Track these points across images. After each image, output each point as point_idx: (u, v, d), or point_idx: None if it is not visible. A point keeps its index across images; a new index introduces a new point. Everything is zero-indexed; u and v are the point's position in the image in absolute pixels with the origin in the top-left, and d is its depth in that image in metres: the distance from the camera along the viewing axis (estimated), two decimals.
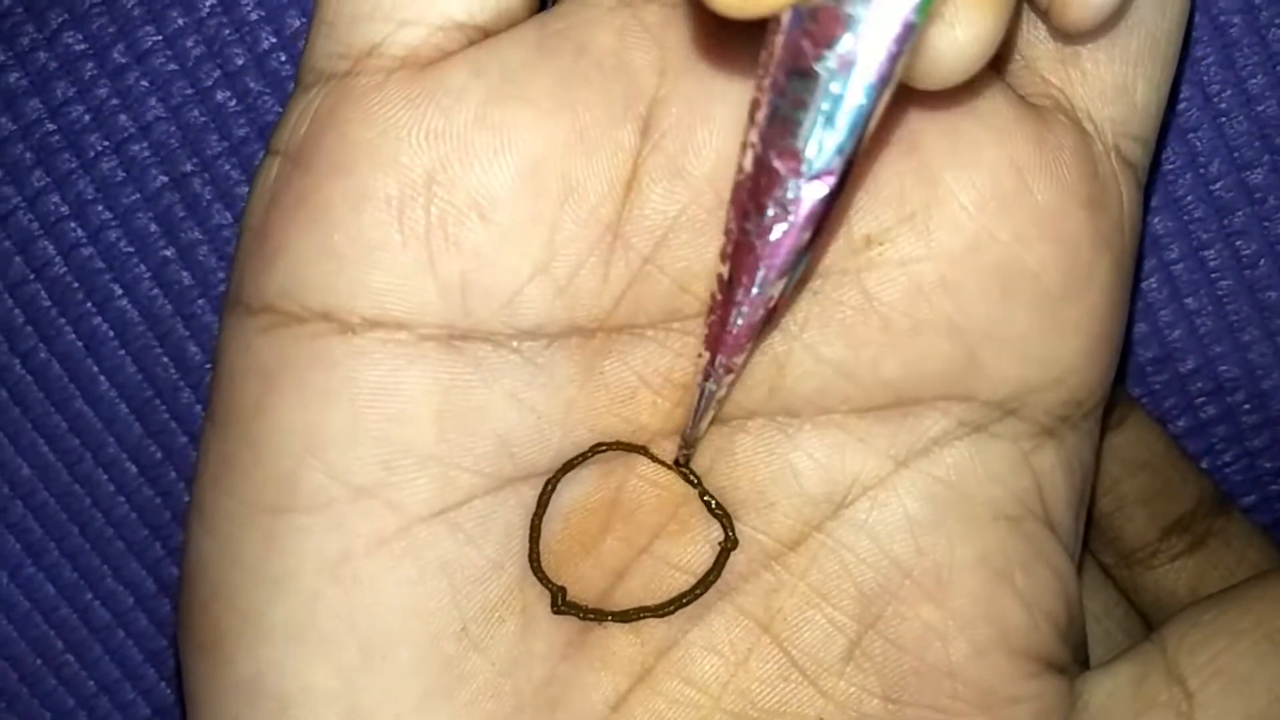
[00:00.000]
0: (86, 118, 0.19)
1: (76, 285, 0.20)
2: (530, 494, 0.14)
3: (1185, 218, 0.20)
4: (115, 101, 0.19)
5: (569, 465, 0.14)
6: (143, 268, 0.20)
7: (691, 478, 0.15)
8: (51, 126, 0.19)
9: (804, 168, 0.11)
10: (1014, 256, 0.14)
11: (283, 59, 0.19)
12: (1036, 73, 0.15)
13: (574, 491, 0.15)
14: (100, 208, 0.19)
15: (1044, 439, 0.15)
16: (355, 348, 0.14)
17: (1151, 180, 0.20)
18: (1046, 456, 0.15)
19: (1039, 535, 0.15)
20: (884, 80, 0.11)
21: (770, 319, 0.13)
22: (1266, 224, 0.20)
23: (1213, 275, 0.20)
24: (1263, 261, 0.20)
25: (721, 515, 0.15)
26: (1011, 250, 0.14)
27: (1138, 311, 0.21)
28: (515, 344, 0.14)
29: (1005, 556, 0.15)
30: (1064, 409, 0.15)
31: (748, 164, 0.12)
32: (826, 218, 0.12)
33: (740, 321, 0.13)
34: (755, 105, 0.12)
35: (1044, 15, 0.13)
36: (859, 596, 0.14)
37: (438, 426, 0.14)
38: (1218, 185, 0.20)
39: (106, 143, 0.19)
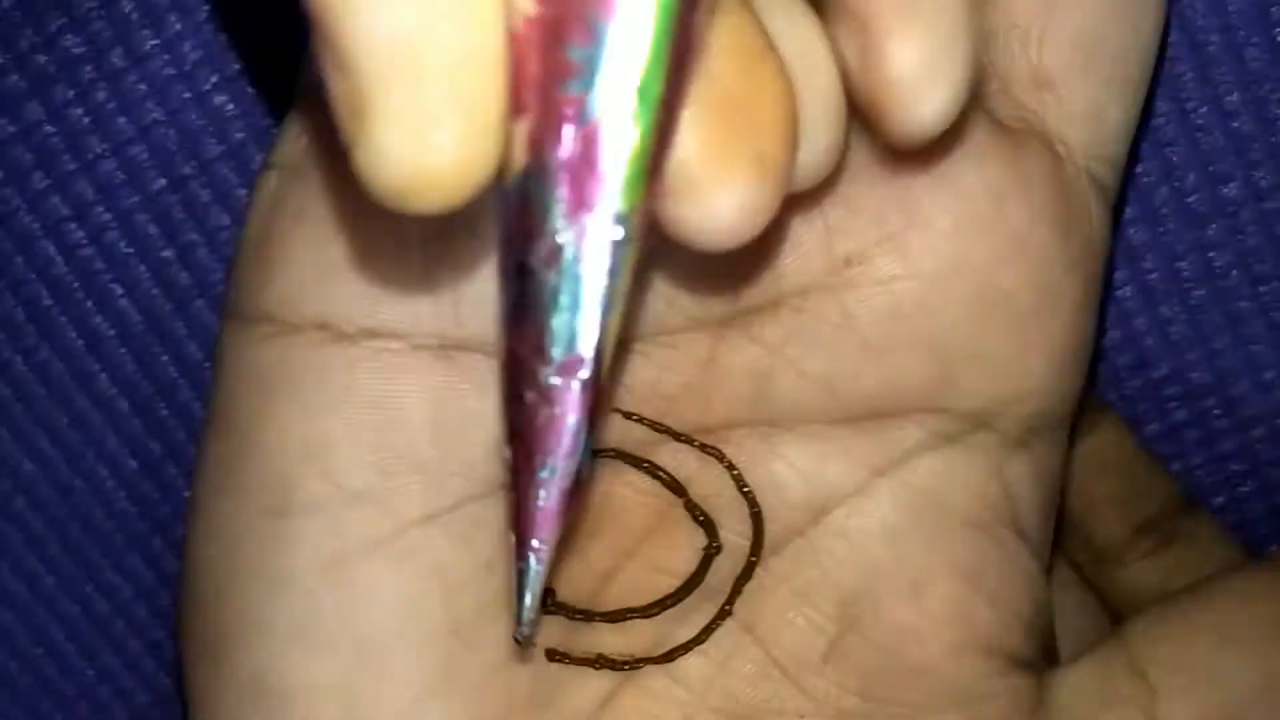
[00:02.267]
0: (86, 120, 0.19)
1: (77, 285, 0.20)
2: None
3: (1160, 229, 0.20)
4: (114, 104, 0.19)
5: None
6: (142, 268, 0.20)
7: (676, 485, 0.15)
8: (51, 129, 0.19)
9: (552, 358, 0.11)
10: (988, 277, 0.15)
11: (279, 63, 0.20)
12: (1012, 96, 0.15)
13: None
14: (100, 209, 0.20)
15: (1015, 450, 0.15)
16: (351, 357, 0.14)
17: (1128, 192, 0.21)
18: (1017, 466, 0.15)
19: (1009, 541, 0.15)
20: (612, 270, 0.10)
21: (578, 488, 0.12)
22: (1239, 237, 0.20)
23: (1186, 285, 0.21)
24: (1234, 273, 0.21)
25: (705, 521, 0.15)
26: (985, 271, 0.14)
27: (1113, 319, 0.21)
28: None
29: (977, 561, 0.15)
30: (1034, 421, 0.15)
31: (503, 355, 0.12)
32: (596, 400, 0.11)
33: (537, 505, 0.12)
34: (499, 288, 0.11)
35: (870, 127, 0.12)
36: (838, 599, 0.15)
37: (431, 433, 0.14)
38: (1192, 198, 0.20)
39: (106, 145, 0.20)
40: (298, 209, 0.14)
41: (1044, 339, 0.15)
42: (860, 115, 0.12)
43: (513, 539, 0.13)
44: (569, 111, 0.10)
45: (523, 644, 0.14)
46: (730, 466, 0.15)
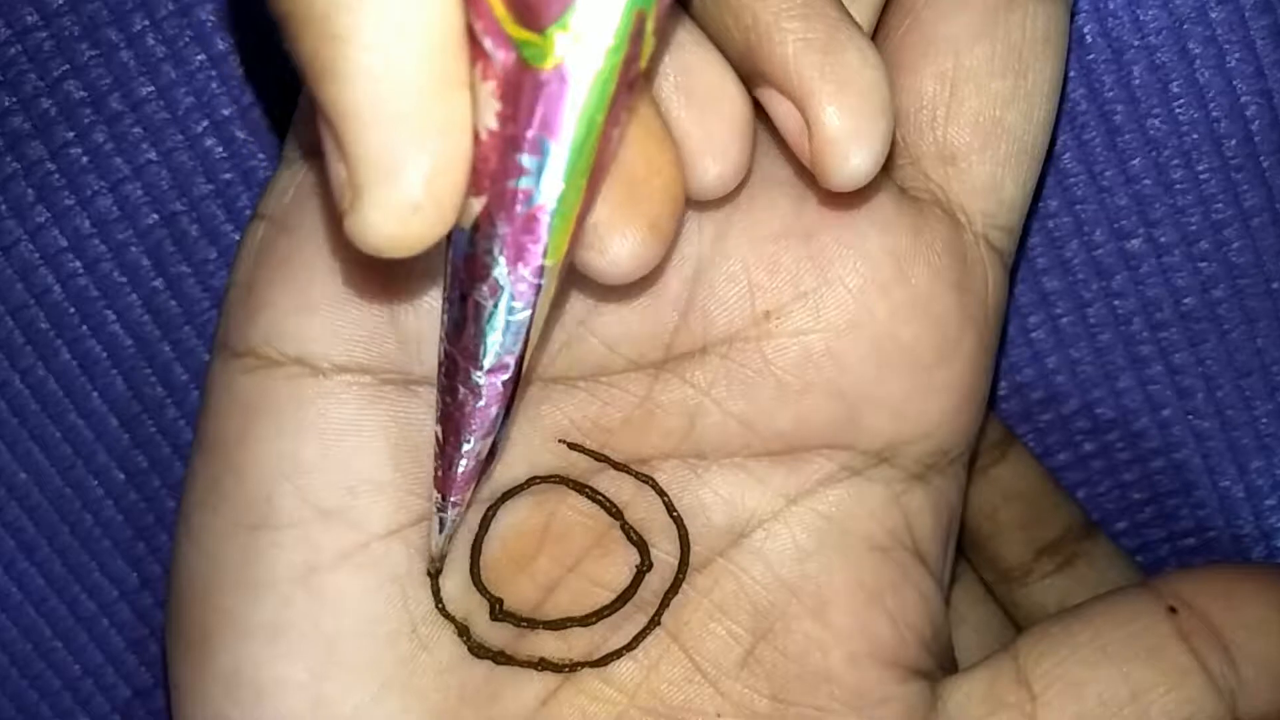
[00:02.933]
0: (85, 160, 0.21)
1: (73, 310, 0.21)
2: (473, 519, 0.16)
3: (1070, 278, 0.22)
4: (111, 146, 0.21)
5: (507, 494, 0.16)
6: (134, 296, 0.21)
7: (613, 509, 0.17)
8: (52, 167, 0.21)
9: (481, 364, 0.13)
10: (890, 331, 0.16)
11: (265, 109, 0.21)
12: (920, 169, 0.17)
13: (511, 518, 0.16)
14: (96, 241, 0.21)
15: (913, 482, 0.17)
16: (325, 389, 0.15)
17: (1043, 244, 0.22)
18: (916, 497, 0.17)
19: (908, 564, 0.17)
20: (531, 303, 0.13)
21: (489, 461, 0.15)
22: (1140, 286, 0.22)
23: (1093, 329, 0.22)
24: (1136, 319, 0.22)
25: (639, 542, 0.17)
26: (888, 326, 0.16)
27: (1027, 358, 0.23)
28: None
29: (877, 581, 0.16)
30: (931, 458, 0.17)
31: (441, 354, 0.14)
32: (512, 397, 0.14)
33: (458, 470, 0.15)
34: (444, 306, 0.14)
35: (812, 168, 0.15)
36: (753, 612, 0.16)
37: (394, 458, 0.16)
38: (1099, 251, 0.22)
39: (103, 183, 0.21)
40: (282, 258, 0.15)
41: (941, 385, 0.16)
42: (804, 169, 0.15)
43: (436, 496, 0.15)
44: (517, 198, 0.12)
45: (433, 574, 0.16)
46: (662, 493, 0.16)
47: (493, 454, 0.15)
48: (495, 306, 0.13)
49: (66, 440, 0.22)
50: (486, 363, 0.13)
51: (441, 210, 0.11)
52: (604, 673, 0.16)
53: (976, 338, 0.17)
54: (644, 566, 0.17)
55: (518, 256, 0.12)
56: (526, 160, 0.12)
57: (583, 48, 0.11)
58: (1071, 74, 0.21)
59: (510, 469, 0.16)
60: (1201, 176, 0.21)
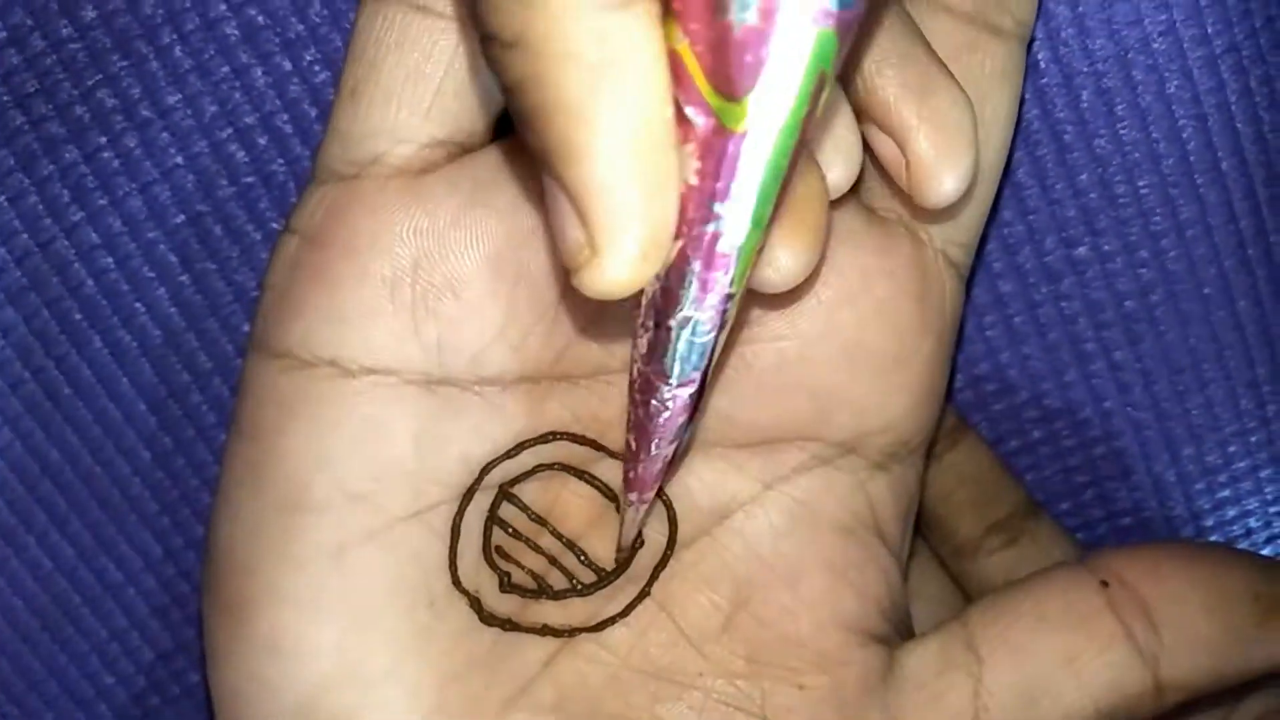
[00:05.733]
0: (116, 163, 0.21)
1: (105, 303, 0.22)
2: (485, 502, 0.18)
3: (1023, 281, 0.23)
4: (141, 150, 0.21)
5: (515, 480, 0.18)
6: (162, 290, 0.22)
7: (610, 493, 0.18)
8: (86, 170, 0.21)
9: (671, 380, 0.15)
10: (856, 338, 0.17)
11: (285, 119, 0.22)
12: (886, 192, 0.18)
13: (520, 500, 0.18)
14: (127, 239, 0.22)
15: (876, 470, 0.18)
16: (354, 388, 0.16)
17: (998, 250, 0.23)
18: (878, 484, 0.18)
19: (870, 543, 0.18)
20: (717, 326, 0.14)
21: (673, 463, 0.17)
22: (1086, 290, 0.23)
23: (1043, 327, 0.23)
24: (1082, 319, 0.23)
25: None
26: (855, 334, 0.17)
27: (982, 354, 0.24)
28: (477, 388, 0.17)
29: (843, 558, 0.18)
30: (893, 448, 0.18)
31: (635, 373, 0.16)
32: (696, 405, 0.15)
33: (645, 472, 0.16)
34: (635, 334, 0.15)
35: (904, 194, 0.17)
36: (733, 584, 0.18)
37: (416, 450, 0.17)
38: (1050, 257, 0.23)
39: (133, 185, 0.22)
40: (314, 271, 0.17)
41: (901, 385, 0.18)
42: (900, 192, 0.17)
43: (628, 494, 0.17)
44: (708, 241, 0.14)
45: (630, 552, 0.18)
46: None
47: (675, 458, 0.17)
48: (686, 332, 0.14)
49: (97, 423, 0.23)
50: (675, 379, 0.15)
51: (659, 257, 0.13)
52: (599, 638, 0.18)
53: (934, 342, 0.18)
54: (636, 543, 0.18)
55: (708, 288, 0.14)
56: (719, 208, 0.13)
57: (772, 109, 0.12)
58: (1027, 96, 0.22)
59: (519, 458, 0.18)
60: (1142, 191, 0.22)
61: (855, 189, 0.17)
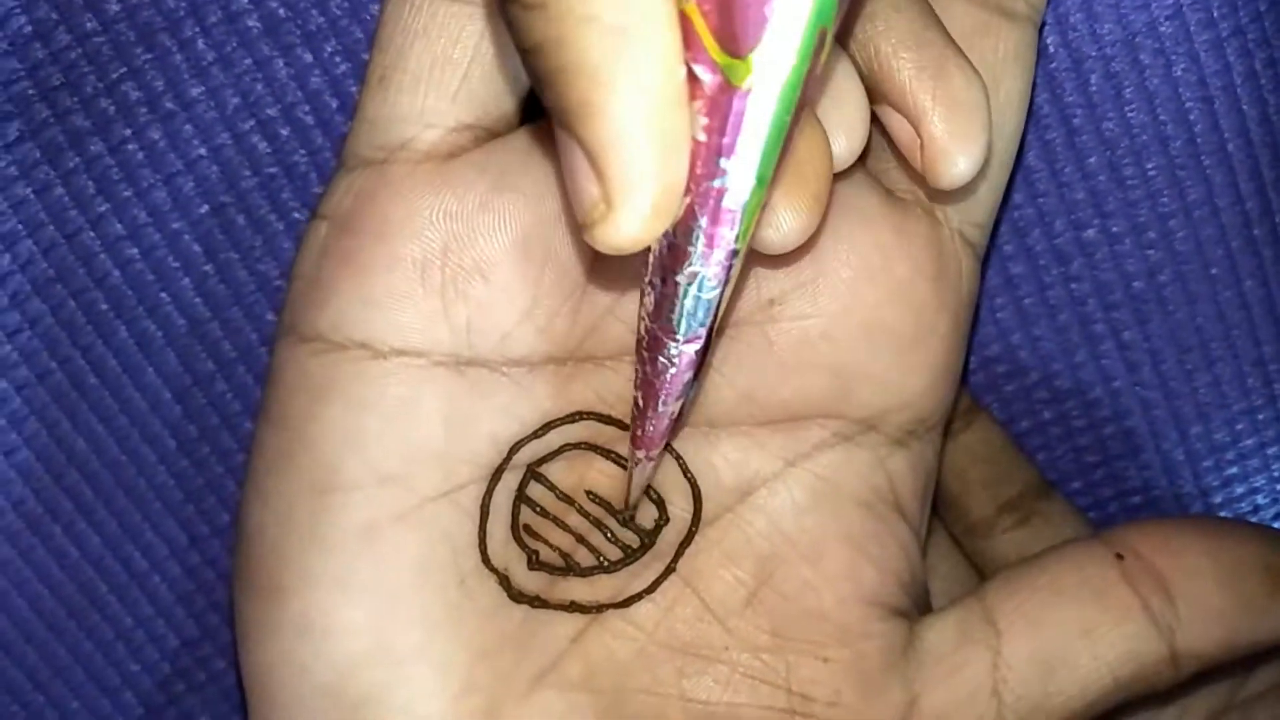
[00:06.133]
0: (141, 155, 0.22)
1: (131, 293, 0.22)
2: (513, 481, 0.18)
3: (1034, 264, 0.23)
4: (165, 142, 0.22)
5: (543, 460, 0.18)
6: (186, 280, 0.22)
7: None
8: (111, 162, 0.22)
9: (678, 336, 0.15)
10: (876, 316, 0.18)
11: (307, 110, 0.22)
12: (904, 174, 0.18)
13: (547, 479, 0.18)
14: (152, 230, 0.22)
15: (896, 447, 0.19)
16: (385, 370, 0.17)
17: (1009, 233, 0.23)
18: (898, 460, 0.19)
19: (890, 518, 0.19)
20: (723, 282, 0.15)
21: (679, 420, 0.17)
22: (1095, 271, 0.23)
23: (1053, 309, 0.24)
24: (1091, 300, 0.24)
25: (657, 499, 0.18)
26: (875, 312, 0.18)
27: (994, 336, 0.24)
28: (505, 370, 0.17)
29: (864, 533, 0.18)
30: (912, 425, 0.19)
31: (642, 331, 0.16)
32: (702, 362, 0.16)
33: (652, 429, 0.17)
34: (643, 291, 0.16)
35: (919, 176, 0.17)
36: (756, 560, 0.18)
37: (445, 430, 0.17)
38: (1059, 239, 0.23)
39: (158, 176, 0.22)
40: (345, 255, 0.17)
41: (919, 363, 0.18)
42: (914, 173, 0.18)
43: (635, 452, 0.17)
44: (715, 197, 0.14)
45: (623, 524, 0.18)
46: (678, 457, 0.18)
47: (681, 415, 0.17)
48: (693, 286, 0.15)
49: (124, 411, 0.23)
50: (682, 335, 0.15)
51: (671, 213, 0.13)
52: (626, 613, 0.18)
53: (951, 321, 0.19)
54: (661, 520, 0.18)
55: (714, 244, 0.14)
56: (725, 163, 0.13)
57: (775, 65, 0.13)
58: (1036, 80, 0.22)
59: (546, 438, 0.18)
60: (1150, 173, 0.23)
61: (864, 162, 0.17)
